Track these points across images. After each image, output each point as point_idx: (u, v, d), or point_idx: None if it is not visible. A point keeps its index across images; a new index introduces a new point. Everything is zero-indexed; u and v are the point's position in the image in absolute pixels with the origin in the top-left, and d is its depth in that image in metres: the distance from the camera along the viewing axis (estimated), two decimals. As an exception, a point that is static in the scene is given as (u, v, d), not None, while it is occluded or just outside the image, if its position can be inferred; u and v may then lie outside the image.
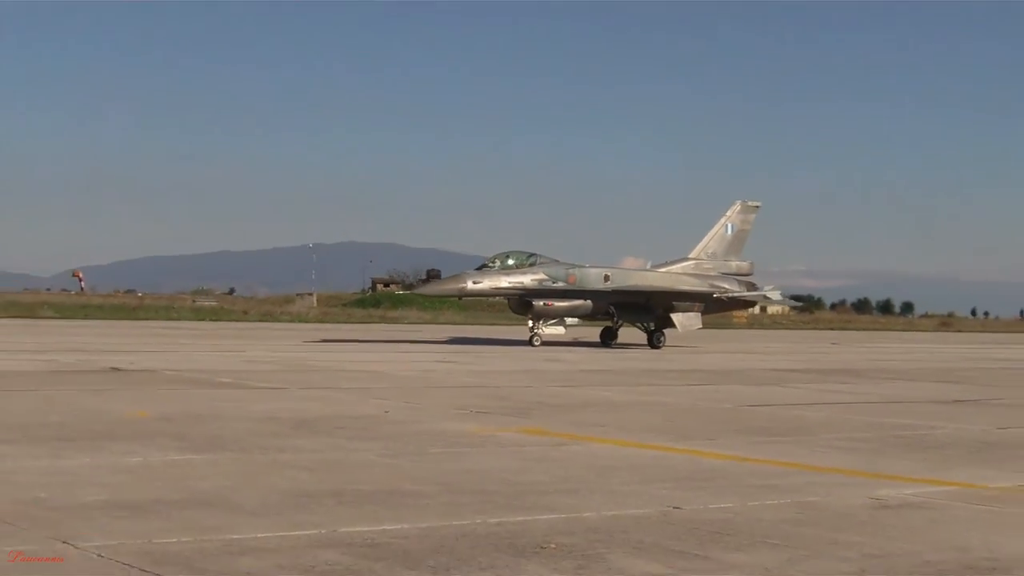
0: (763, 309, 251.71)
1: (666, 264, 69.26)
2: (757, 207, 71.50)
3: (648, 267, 69.22)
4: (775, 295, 71.38)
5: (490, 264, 61.02)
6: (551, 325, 62.23)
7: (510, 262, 60.92)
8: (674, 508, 13.88)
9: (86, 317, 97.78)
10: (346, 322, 63.61)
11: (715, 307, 69.22)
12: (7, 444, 17.82)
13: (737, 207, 70.28)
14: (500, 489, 15.00)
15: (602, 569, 10.70)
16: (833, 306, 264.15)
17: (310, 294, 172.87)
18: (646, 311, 65.25)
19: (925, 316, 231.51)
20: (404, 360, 47.06)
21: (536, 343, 60.35)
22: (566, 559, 11.02)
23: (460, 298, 68.50)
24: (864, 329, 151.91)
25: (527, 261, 61.23)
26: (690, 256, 69.25)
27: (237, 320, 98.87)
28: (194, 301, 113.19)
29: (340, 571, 10.32)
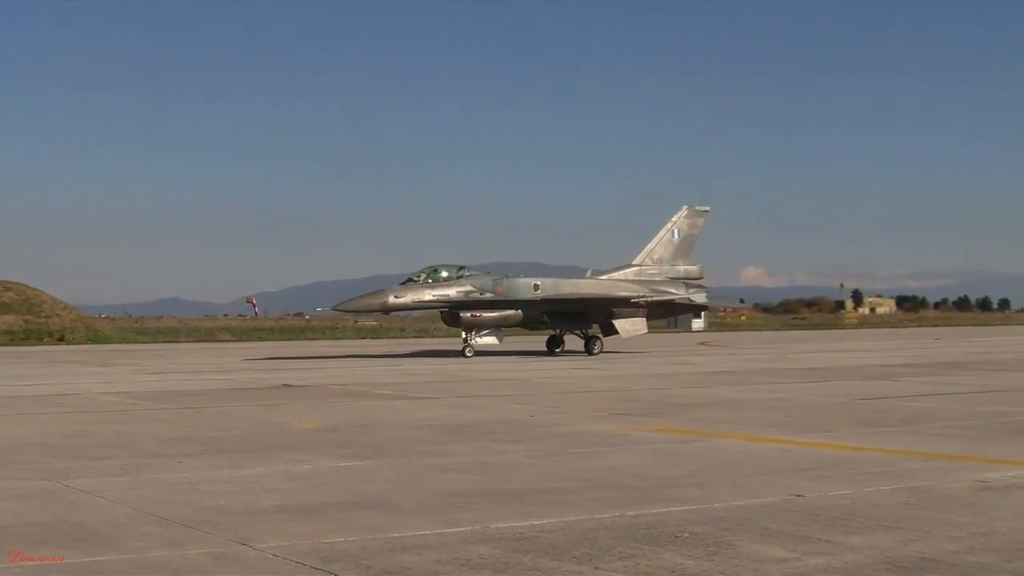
0: (872, 309, 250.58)
1: (607, 271, 64.13)
2: (706, 211, 65.90)
3: (588, 275, 64.03)
4: (699, 298, 64.58)
5: (415, 278, 57.16)
6: (484, 335, 58.20)
7: (442, 274, 57.21)
8: (797, 496, 13.76)
9: (259, 339, 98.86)
10: (524, 335, 63.65)
11: (659, 312, 64.82)
12: (193, 457, 18.06)
13: (684, 212, 64.97)
14: (636, 484, 14.96)
15: (732, 555, 10.62)
16: (936, 305, 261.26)
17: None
18: (582, 318, 60.90)
19: (1022, 311, 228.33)
20: (544, 368, 47.02)
21: (469, 354, 56.45)
22: (699, 547, 10.96)
23: (386, 312, 62.93)
24: (964, 325, 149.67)
25: (456, 274, 57.68)
26: (634, 262, 64.16)
27: (395, 337, 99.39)
28: (356, 322, 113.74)
29: (491, 564, 10.32)
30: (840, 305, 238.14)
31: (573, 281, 62.54)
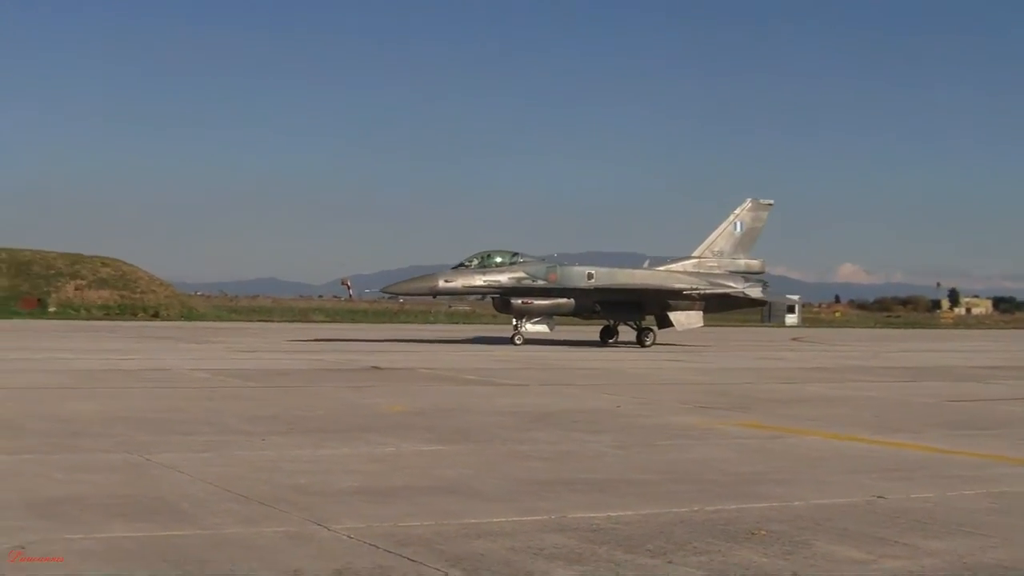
0: (968, 310, 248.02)
1: (665, 262, 62.96)
2: (770, 205, 64.31)
3: (645, 265, 63.07)
4: (755, 292, 62.48)
5: (467, 263, 56.16)
6: (535, 323, 57.61)
7: (495, 260, 56.32)
8: (878, 498, 13.59)
9: (353, 321, 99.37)
10: (579, 325, 63.11)
11: (716, 306, 62.54)
12: (278, 435, 18.17)
13: (748, 204, 63.50)
14: (718, 478, 14.86)
15: (808, 554, 10.51)
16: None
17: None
18: (636, 309, 59.82)
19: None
20: (635, 358, 46.90)
21: (518, 341, 55.93)
22: (775, 544, 10.85)
23: (434, 296, 61.49)
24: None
25: (509, 260, 56.69)
26: (693, 254, 62.89)
27: (488, 323, 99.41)
28: (449, 307, 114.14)
29: (565, 554, 10.27)
30: (936, 304, 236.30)
31: (628, 271, 61.57)
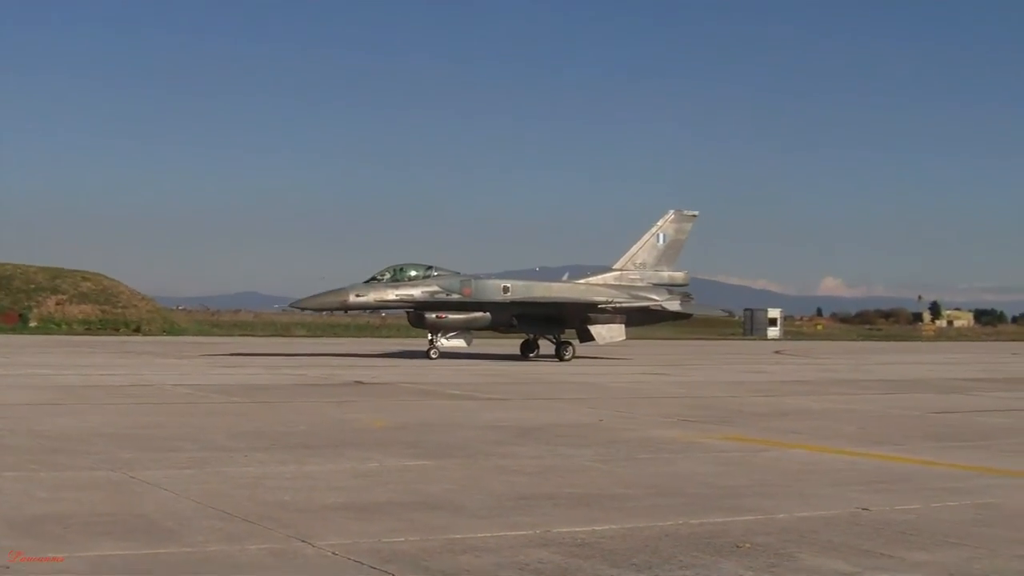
0: (949, 322, 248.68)
1: (586, 275, 61.05)
2: (694, 216, 62.66)
3: (565, 278, 61.03)
4: (672, 305, 60.21)
5: (379, 277, 54.70)
6: (451, 338, 55.51)
7: (409, 273, 54.92)
8: (863, 510, 13.64)
9: (334, 335, 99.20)
10: (503, 339, 62.83)
11: (638, 319, 60.70)
12: (260, 451, 18.14)
13: (671, 216, 61.87)
14: (701, 492, 14.89)
15: (793, 567, 10.54)
16: (1015, 319, 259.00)
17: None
18: (555, 322, 58.08)
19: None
20: (616, 372, 46.94)
21: (433, 355, 54.09)
22: (760, 557, 10.88)
23: (345, 311, 60.43)
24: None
25: (423, 273, 55.21)
26: (615, 267, 61.20)
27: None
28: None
29: (550, 569, 10.28)
30: (918, 317, 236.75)
31: (546, 284, 59.89)
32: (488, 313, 55.98)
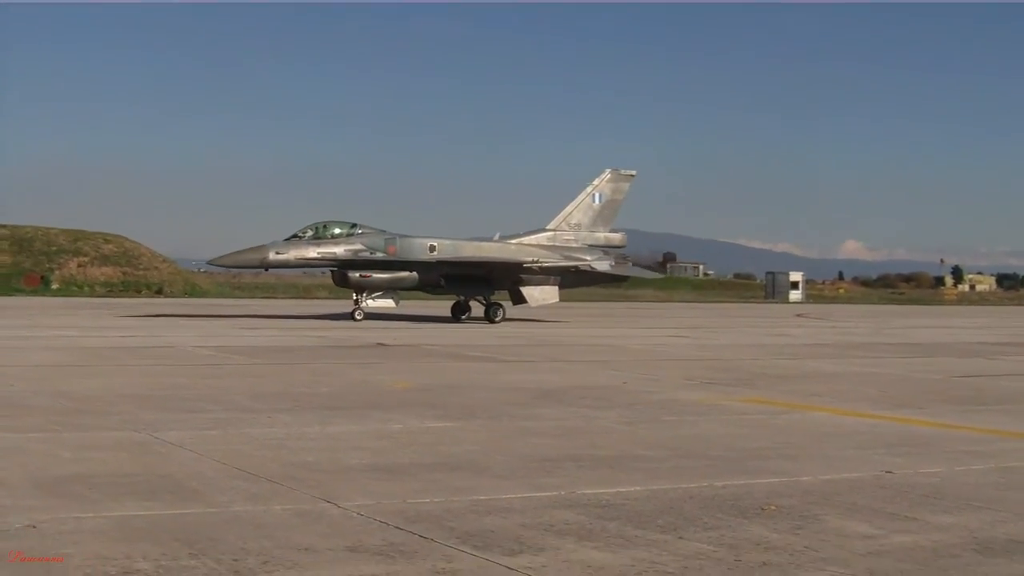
0: (972, 286, 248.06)
1: (519, 236, 59.30)
2: (631, 176, 60.93)
3: (496, 238, 59.30)
4: (602, 265, 58.29)
5: (300, 234, 53.24)
6: (377, 298, 54.05)
7: (333, 231, 53.48)
8: (886, 472, 13.62)
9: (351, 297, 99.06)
10: (590, 300, 62.09)
11: (572, 281, 58.89)
12: (284, 413, 18.15)
13: (607, 175, 60.16)
14: (725, 454, 14.88)
15: (817, 529, 10.52)
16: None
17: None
18: (484, 283, 56.59)
19: None
20: (640, 335, 46.91)
21: (358, 316, 53.04)
22: (784, 520, 10.87)
23: (265, 269, 57.25)
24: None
25: (347, 231, 53.73)
26: (548, 227, 59.58)
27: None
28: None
29: (575, 530, 10.28)
30: (939, 281, 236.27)
31: (475, 244, 58.33)
32: (415, 272, 54.67)
